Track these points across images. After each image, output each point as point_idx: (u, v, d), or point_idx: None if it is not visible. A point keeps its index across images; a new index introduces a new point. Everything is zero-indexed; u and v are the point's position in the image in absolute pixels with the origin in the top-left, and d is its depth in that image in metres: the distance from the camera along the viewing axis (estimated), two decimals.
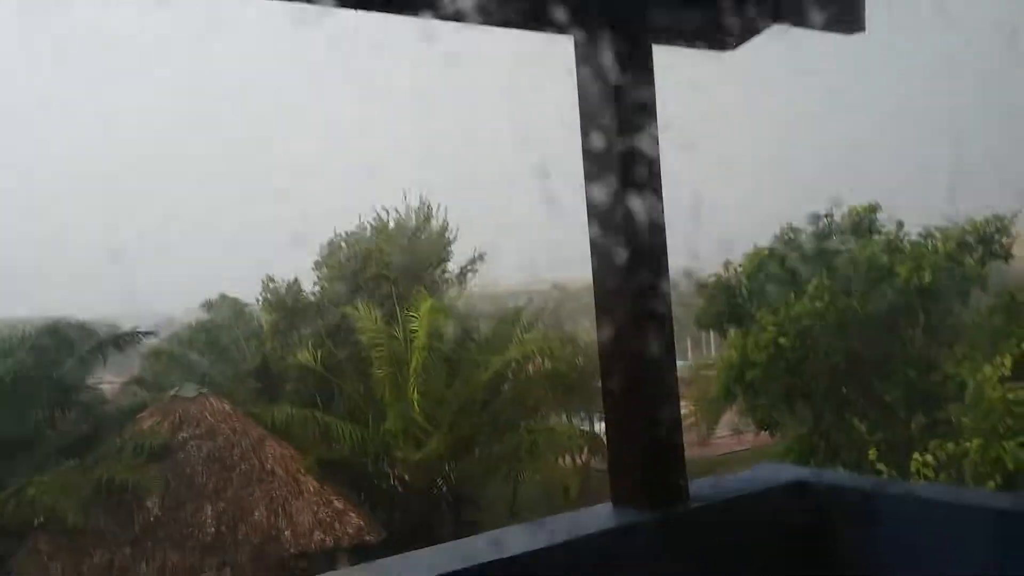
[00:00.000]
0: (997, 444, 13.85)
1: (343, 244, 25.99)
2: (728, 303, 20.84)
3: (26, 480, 16.33)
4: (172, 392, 20.15)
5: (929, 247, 19.41)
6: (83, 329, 20.05)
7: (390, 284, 23.17)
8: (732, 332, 20.23)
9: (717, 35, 2.66)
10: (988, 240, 19.52)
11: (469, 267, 26.61)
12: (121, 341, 20.12)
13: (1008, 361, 14.64)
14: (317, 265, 25.74)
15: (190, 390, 20.12)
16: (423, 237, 25.84)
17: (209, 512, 17.96)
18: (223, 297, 27.05)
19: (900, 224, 20.38)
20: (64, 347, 19.36)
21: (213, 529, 17.73)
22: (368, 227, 25.98)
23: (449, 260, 26.36)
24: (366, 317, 20.65)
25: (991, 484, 13.77)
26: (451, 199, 26.63)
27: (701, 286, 21.18)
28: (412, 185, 26.42)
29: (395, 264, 24.13)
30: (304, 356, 21.09)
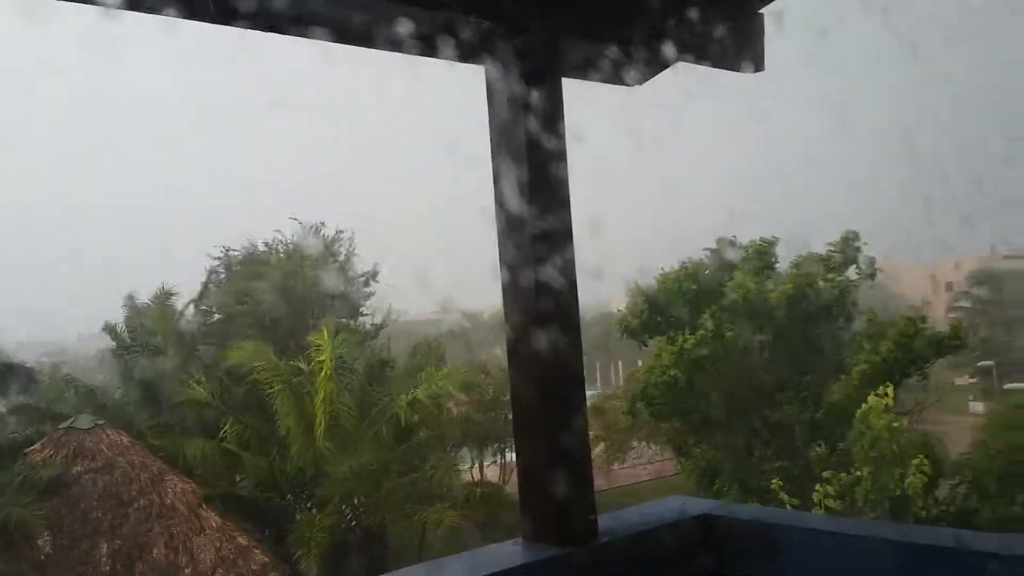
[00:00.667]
0: (886, 471, 14.42)
1: (227, 271, 25.33)
2: (649, 317, 21.56)
3: None
4: (67, 424, 19.26)
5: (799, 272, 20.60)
6: None
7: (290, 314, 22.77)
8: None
9: (624, 70, 2.74)
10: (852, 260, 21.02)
11: (365, 284, 26.14)
12: (15, 368, 19.25)
13: (891, 391, 15.34)
14: (202, 295, 24.90)
15: (85, 421, 19.27)
16: (322, 266, 25.33)
17: (104, 550, 17.17)
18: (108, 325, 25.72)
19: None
20: None
21: (108, 568, 16.95)
22: (262, 250, 25.39)
23: (353, 288, 26.00)
24: (256, 353, 20.15)
25: (880, 511, 14.32)
26: (355, 228, 26.33)
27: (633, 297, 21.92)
28: (312, 214, 25.98)
29: (292, 294, 23.68)
30: (198, 391, 20.47)
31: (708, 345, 19.20)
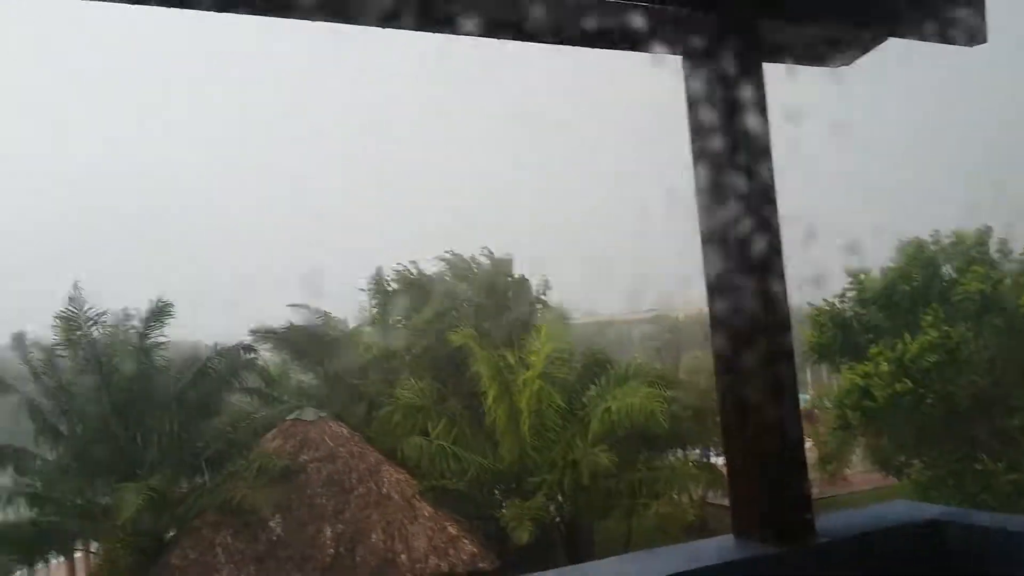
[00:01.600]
0: None
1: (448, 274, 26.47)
2: (841, 335, 20.29)
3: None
4: (293, 415, 20.84)
5: None
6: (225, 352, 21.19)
7: (502, 317, 23.44)
8: (844, 370, 19.71)
9: (829, 51, 2.60)
10: None
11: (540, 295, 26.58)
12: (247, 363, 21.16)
13: None
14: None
15: (310, 413, 20.77)
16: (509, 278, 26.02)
17: (328, 533, 18.41)
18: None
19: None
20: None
21: (332, 550, 18.16)
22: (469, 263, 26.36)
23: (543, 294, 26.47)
24: (479, 348, 20.85)
25: None
26: (546, 234, 26.68)
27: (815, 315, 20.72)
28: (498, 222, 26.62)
29: (496, 299, 24.43)
30: (408, 390, 21.43)
31: (934, 350, 17.84)
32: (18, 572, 18.50)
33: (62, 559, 19.85)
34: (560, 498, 20.24)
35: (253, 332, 23.21)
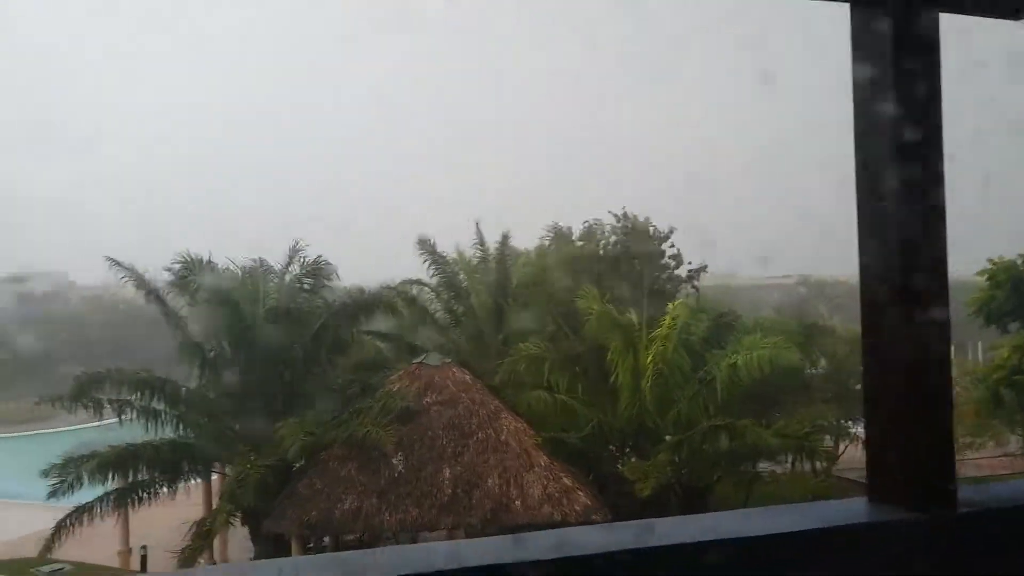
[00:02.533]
0: None
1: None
2: (1015, 296, 19.09)
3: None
4: (419, 359, 21.44)
5: None
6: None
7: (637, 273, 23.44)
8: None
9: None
10: None
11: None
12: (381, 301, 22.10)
13: None
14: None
15: (435, 358, 21.31)
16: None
17: (447, 475, 18.97)
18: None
19: None
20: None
21: (450, 491, 18.71)
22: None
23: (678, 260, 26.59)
24: (598, 301, 20.88)
25: None
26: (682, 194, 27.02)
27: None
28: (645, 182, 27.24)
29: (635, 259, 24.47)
30: (536, 341, 21.67)
31: None
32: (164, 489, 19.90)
33: (200, 480, 21.19)
34: (678, 459, 20.15)
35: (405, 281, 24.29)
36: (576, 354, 21.81)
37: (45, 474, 18.45)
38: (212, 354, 20.69)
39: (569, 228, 27.97)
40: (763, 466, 21.52)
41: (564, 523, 18.36)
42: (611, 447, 22.23)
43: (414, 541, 19.38)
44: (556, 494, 18.83)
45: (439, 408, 20.26)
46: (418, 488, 18.70)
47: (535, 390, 20.69)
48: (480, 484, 18.90)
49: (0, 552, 22.15)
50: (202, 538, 17.32)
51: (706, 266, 27.42)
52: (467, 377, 21.25)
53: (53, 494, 18.42)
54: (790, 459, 20.99)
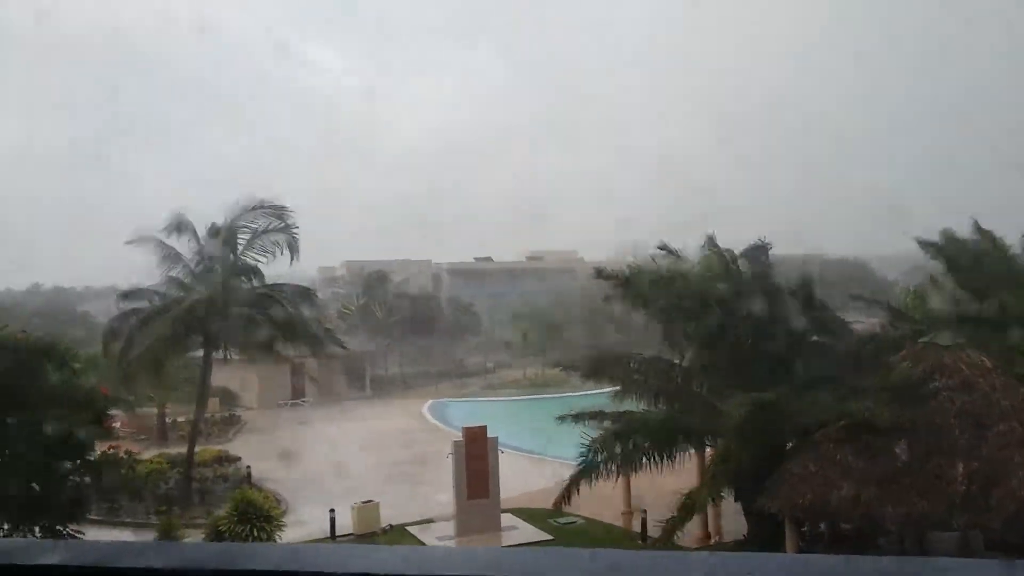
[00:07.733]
0: None
1: None
2: None
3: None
4: (926, 339, 19.40)
5: None
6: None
7: None
8: None
9: None
10: None
11: None
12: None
13: None
14: None
15: (945, 338, 19.09)
16: None
17: (960, 469, 16.83)
18: None
19: None
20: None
21: (963, 487, 16.60)
22: None
23: None
24: None
25: None
26: None
27: None
28: None
29: None
30: None
31: None
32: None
33: (693, 451, 21.64)
34: None
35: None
36: None
37: (590, 446, 19.55)
38: (700, 331, 21.05)
39: None
40: None
41: None
42: None
43: (921, 538, 17.63)
44: None
45: (950, 393, 18.09)
46: (923, 480, 16.88)
47: None
48: (1001, 483, 16.43)
49: (520, 501, 25.18)
50: (686, 511, 17.69)
51: None
52: (985, 361, 18.63)
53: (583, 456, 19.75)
54: None
